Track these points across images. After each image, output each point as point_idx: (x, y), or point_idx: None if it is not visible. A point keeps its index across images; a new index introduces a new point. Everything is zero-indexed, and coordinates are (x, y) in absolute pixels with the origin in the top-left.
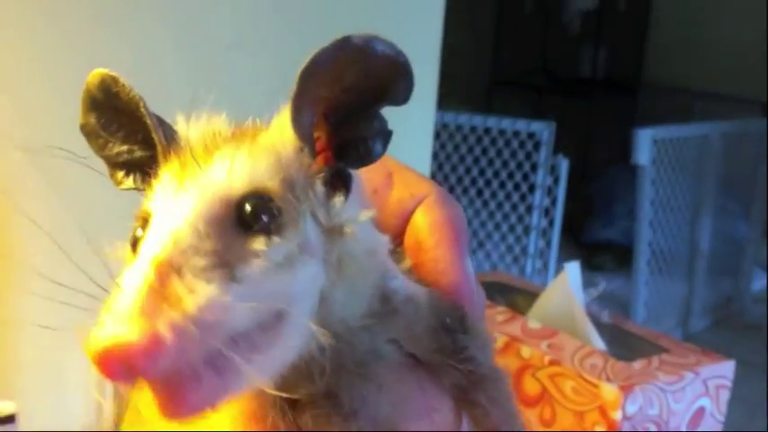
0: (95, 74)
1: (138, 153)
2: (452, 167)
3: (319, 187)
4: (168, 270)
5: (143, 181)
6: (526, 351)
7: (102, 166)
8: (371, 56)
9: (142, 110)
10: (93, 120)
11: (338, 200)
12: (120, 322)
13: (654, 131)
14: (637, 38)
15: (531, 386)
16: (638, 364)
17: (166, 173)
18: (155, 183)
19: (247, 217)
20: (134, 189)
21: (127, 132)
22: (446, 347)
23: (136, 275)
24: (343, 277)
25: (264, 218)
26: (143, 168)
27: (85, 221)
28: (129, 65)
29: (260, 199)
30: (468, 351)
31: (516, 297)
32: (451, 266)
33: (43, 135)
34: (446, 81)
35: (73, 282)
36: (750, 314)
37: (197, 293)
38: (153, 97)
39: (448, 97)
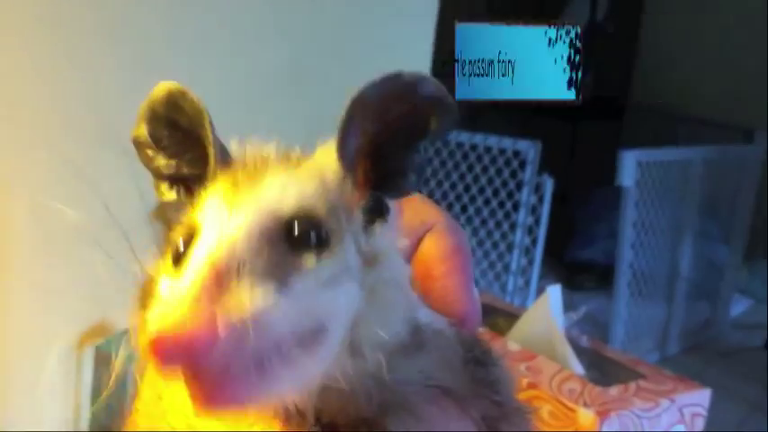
0: (162, 88)
1: (186, 170)
2: (438, 183)
3: (359, 215)
4: (225, 271)
5: (186, 194)
6: None
7: None
8: (419, 93)
9: (206, 123)
10: (146, 132)
11: (377, 228)
12: (182, 307)
13: (639, 154)
14: (624, 60)
15: None
16: (614, 390)
17: (217, 189)
18: (203, 196)
19: (297, 235)
20: (176, 201)
21: (177, 150)
22: (481, 380)
23: (194, 272)
24: (374, 304)
25: (313, 238)
26: (187, 183)
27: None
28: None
29: (308, 220)
30: (499, 384)
31: (497, 318)
32: (460, 297)
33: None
34: None
35: (54, 284)
36: (728, 339)
37: (253, 296)
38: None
39: None
